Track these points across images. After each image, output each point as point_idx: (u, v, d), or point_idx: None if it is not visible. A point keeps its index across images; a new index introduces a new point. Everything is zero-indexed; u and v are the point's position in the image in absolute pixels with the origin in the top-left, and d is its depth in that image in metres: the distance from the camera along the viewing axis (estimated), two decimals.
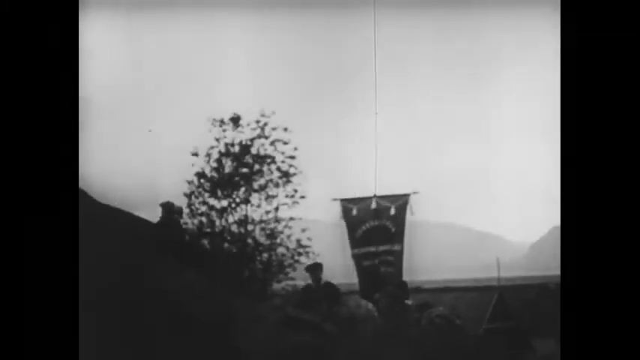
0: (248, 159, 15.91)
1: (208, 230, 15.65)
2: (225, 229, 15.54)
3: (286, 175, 15.92)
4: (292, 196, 15.95)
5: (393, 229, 12.95)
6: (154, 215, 9.97)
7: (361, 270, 13.26)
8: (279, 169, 16.03)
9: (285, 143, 15.83)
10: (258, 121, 15.92)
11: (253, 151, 16.05)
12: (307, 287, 9.12)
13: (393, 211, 12.93)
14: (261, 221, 15.41)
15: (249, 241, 15.15)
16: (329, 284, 7.95)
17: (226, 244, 15.24)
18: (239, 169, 15.73)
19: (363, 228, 13.08)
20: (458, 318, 7.25)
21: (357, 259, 13.37)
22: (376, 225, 13.06)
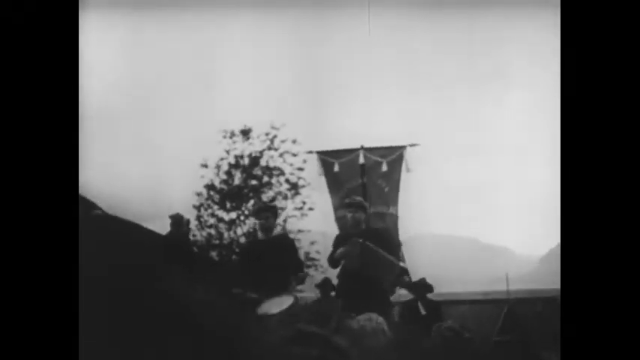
0: (257, 171, 15.95)
1: (217, 242, 15.67)
2: (234, 241, 15.56)
3: (295, 187, 15.94)
4: (301, 208, 15.97)
5: (386, 189, 10.47)
6: (162, 227, 9.97)
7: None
8: (287, 180, 16.07)
9: (294, 155, 15.87)
10: (267, 134, 15.99)
11: (262, 162, 16.10)
12: (317, 301, 8.97)
13: (385, 167, 10.39)
14: None
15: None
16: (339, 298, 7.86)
17: (234, 257, 15.24)
18: (248, 181, 15.77)
19: (348, 186, 10.48)
20: (467, 331, 7.20)
21: (341, 222, 10.64)
22: (364, 183, 10.41)
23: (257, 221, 7.23)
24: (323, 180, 10.91)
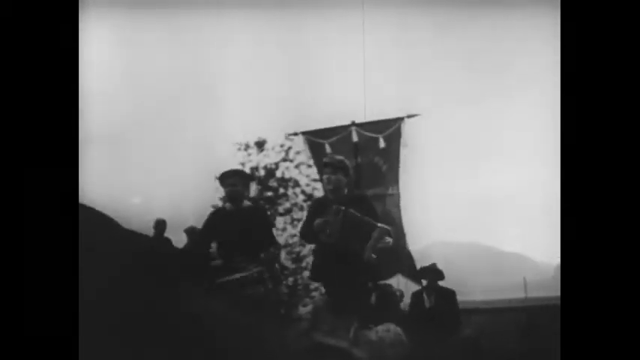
0: (273, 182, 15.94)
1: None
2: None
3: (311, 199, 15.91)
4: None
5: (384, 167, 9.24)
6: (178, 241, 9.98)
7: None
8: (303, 192, 16.04)
9: (310, 166, 15.84)
10: (282, 145, 15.99)
11: (278, 174, 16.08)
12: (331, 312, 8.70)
13: (382, 143, 9.17)
14: (286, 245, 15.34)
15: (275, 265, 15.12)
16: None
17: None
18: (264, 192, 15.76)
19: None
20: (485, 339, 7.12)
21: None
22: (359, 164, 9.19)
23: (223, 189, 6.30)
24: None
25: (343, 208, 5.36)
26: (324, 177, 5.67)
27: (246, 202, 6.41)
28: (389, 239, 5.26)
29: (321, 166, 8.88)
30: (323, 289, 5.91)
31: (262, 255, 6.09)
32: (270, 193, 15.84)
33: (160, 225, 9.55)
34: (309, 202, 16.04)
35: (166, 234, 9.64)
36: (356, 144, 9.30)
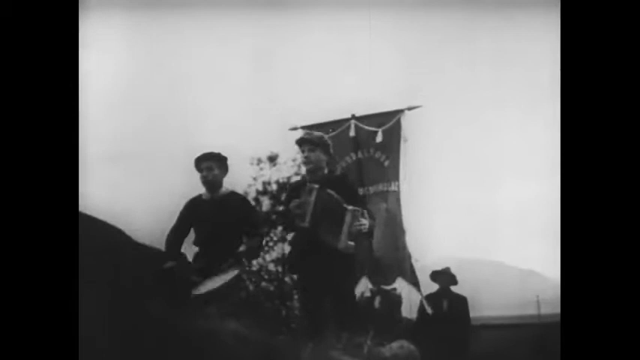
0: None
1: (246, 269, 15.64)
2: (263, 268, 15.52)
3: None
4: None
5: (386, 162, 8.60)
6: (191, 254, 9.98)
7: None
8: None
9: None
10: (294, 159, 16.01)
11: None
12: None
13: (380, 137, 8.55)
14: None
15: (287, 279, 15.11)
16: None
17: (264, 283, 15.20)
18: (276, 207, 15.76)
19: (343, 164, 8.67)
20: (498, 357, 7.08)
21: None
22: (360, 159, 8.68)
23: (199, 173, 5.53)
24: None
25: (317, 186, 4.84)
26: (302, 156, 5.11)
27: (225, 188, 5.61)
28: (364, 221, 4.78)
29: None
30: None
31: (242, 248, 5.34)
32: (282, 208, 15.84)
33: None
34: None
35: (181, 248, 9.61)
36: (355, 138, 8.66)
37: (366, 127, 8.61)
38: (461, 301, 8.41)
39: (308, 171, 5.12)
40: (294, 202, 4.85)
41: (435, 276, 8.42)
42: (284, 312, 14.65)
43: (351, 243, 4.71)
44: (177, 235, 5.56)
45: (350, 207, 4.71)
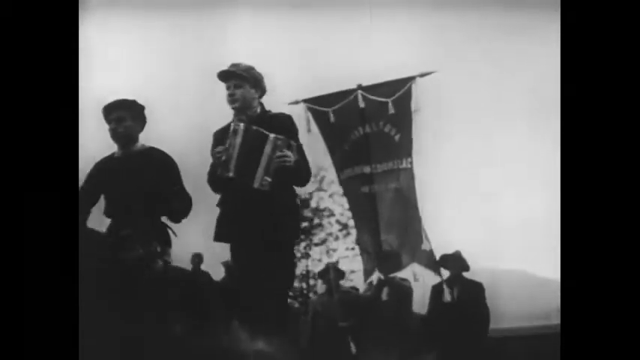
0: (307, 213, 15.86)
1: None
2: None
3: (346, 228, 15.78)
4: (353, 249, 15.79)
5: (397, 136, 7.75)
6: (216, 275, 9.92)
7: (356, 201, 8.14)
8: (338, 221, 15.93)
9: (344, 195, 15.74)
10: (315, 175, 15.95)
11: (312, 204, 16.02)
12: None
13: (392, 109, 7.64)
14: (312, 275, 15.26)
15: (311, 295, 14.99)
16: None
17: (288, 300, 15.06)
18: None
19: (352, 138, 7.83)
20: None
21: (348, 185, 8.21)
22: (369, 133, 7.79)
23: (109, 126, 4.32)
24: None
25: (242, 125, 3.97)
26: (227, 92, 4.15)
27: (141, 144, 4.45)
28: (288, 153, 3.94)
29: (328, 136, 7.93)
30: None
31: (163, 217, 4.27)
32: (305, 224, 15.75)
33: (197, 259, 9.53)
34: (344, 232, 15.89)
35: (203, 266, 9.61)
36: (362, 110, 7.79)
37: (375, 98, 7.78)
38: (476, 288, 7.44)
39: (235, 110, 4.14)
40: (217, 149, 3.96)
41: (445, 261, 7.50)
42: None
43: (268, 179, 3.88)
44: (83, 205, 4.07)
45: (272, 135, 3.92)
